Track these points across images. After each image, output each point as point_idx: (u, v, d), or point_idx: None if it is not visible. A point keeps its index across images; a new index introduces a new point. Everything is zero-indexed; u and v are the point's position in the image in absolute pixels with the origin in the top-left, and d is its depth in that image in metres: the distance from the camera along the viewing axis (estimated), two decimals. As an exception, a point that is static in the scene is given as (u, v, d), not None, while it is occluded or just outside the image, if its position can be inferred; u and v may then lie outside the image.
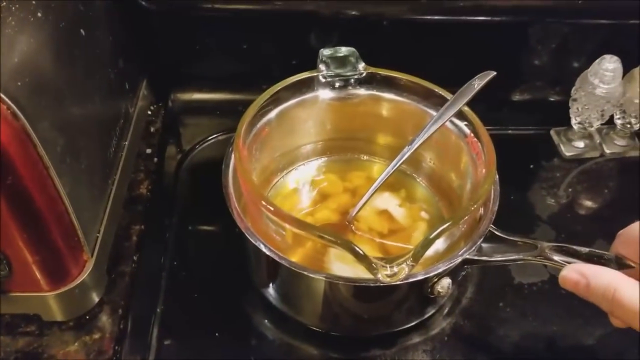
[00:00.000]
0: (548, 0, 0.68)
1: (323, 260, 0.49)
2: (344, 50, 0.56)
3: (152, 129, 0.68)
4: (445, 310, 0.55)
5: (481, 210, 0.50)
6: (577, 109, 0.65)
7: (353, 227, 0.54)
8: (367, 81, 0.56)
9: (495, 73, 0.53)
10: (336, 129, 0.59)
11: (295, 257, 0.48)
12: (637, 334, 0.41)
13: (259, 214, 0.48)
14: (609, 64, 0.61)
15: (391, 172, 0.52)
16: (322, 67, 0.55)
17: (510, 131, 0.71)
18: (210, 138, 0.68)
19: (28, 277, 0.47)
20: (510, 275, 0.57)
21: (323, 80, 0.55)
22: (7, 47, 0.41)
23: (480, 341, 0.54)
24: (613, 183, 0.68)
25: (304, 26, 0.68)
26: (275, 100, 0.54)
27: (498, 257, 0.49)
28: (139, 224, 0.59)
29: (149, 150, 0.65)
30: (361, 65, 0.55)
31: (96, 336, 0.51)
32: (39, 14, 0.44)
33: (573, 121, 0.67)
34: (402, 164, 0.52)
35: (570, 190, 0.66)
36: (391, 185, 0.58)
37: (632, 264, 0.44)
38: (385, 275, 0.41)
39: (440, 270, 0.45)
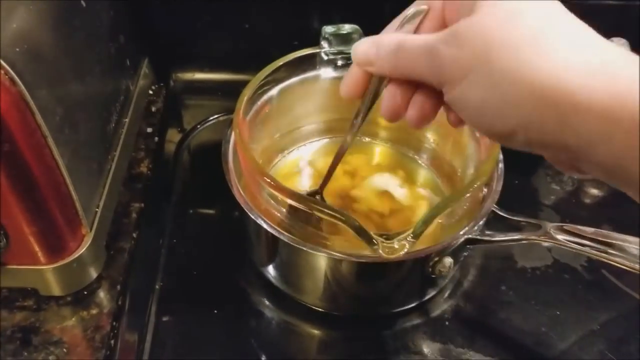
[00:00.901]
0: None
1: (323, 238, 0.49)
2: (347, 28, 0.55)
3: (153, 109, 0.67)
4: (447, 293, 0.54)
5: (484, 190, 0.49)
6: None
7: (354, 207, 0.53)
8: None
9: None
10: (337, 109, 0.58)
11: (295, 235, 0.48)
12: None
13: (258, 190, 0.47)
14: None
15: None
16: (324, 44, 0.54)
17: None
18: (211, 118, 0.67)
19: (25, 250, 0.47)
20: (513, 258, 0.57)
21: (325, 57, 0.54)
22: (6, 12, 0.40)
23: (481, 324, 0.53)
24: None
25: (306, 5, 0.67)
26: (277, 78, 0.53)
27: (501, 237, 0.48)
28: (139, 202, 0.58)
29: (149, 130, 0.65)
30: (365, 43, 0.54)
31: (94, 311, 0.50)
32: (39, -17, 0.44)
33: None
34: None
35: (575, 176, 0.65)
36: (392, 166, 0.58)
37: None
38: (385, 251, 0.40)
39: (442, 247, 0.45)
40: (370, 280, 0.48)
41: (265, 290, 0.53)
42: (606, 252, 0.45)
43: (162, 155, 0.64)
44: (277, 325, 0.52)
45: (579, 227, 0.46)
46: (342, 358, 0.50)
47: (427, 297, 0.52)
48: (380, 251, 0.40)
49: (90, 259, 0.50)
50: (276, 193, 0.44)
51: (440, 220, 0.45)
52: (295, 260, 0.49)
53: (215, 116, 0.67)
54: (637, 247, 0.44)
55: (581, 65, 0.28)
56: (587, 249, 0.46)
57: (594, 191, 0.65)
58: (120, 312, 0.51)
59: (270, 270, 0.52)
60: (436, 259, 0.46)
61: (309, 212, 0.42)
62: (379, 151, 0.60)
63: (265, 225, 0.46)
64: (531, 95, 0.28)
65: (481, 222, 0.47)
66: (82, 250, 0.49)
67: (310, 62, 0.54)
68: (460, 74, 0.31)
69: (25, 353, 0.48)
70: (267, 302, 0.53)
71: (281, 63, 0.52)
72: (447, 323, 0.52)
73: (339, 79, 0.55)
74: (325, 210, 0.42)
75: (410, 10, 0.37)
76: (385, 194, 0.55)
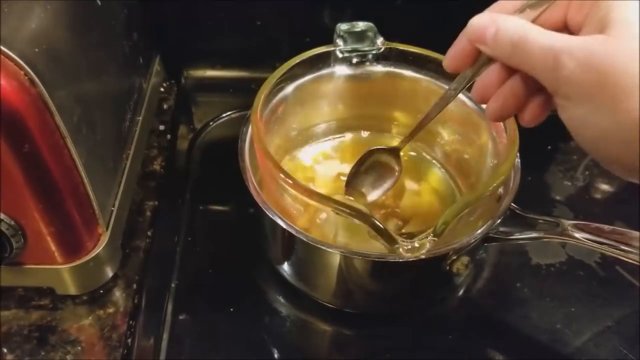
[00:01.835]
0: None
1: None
2: (361, 25, 0.55)
3: (165, 106, 0.67)
4: (462, 290, 0.54)
5: (501, 190, 0.49)
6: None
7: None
8: (385, 57, 0.55)
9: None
10: (353, 106, 0.58)
11: (311, 232, 0.48)
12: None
13: (275, 188, 0.47)
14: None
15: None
16: (339, 41, 0.54)
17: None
18: (223, 116, 0.67)
19: (42, 249, 0.47)
20: (528, 256, 0.57)
21: (340, 55, 0.54)
22: (24, 13, 0.40)
23: (496, 321, 0.53)
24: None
25: (318, 2, 0.67)
26: (292, 76, 0.53)
27: (519, 235, 0.48)
28: (153, 200, 0.58)
29: (162, 127, 0.65)
30: (379, 40, 0.54)
31: (110, 310, 0.50)
32: (56, -19, 0.43)
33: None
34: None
35: (587, 172, 0.65)
36: (407, 166, 0.57)
37: None
38: (406, 250, 0.40)
39: (461, 246, 0.45)
40: (387, 278, 0.49)
41: (281, 287, 0.53)
42: (623, 250, 0.45)
43: (175, 152, 0.64)
44: (293, 323, 0.52)
45: (596, 225, 0.46)
46: (358, 355, 0.50)
47: (443, 295, 0.52)
48: (401, 250, 0.40)
49: (107, 258, 0.51)
50: (295, 192, 0.44)
51: (460, 219, 0.44)
52: (311, 258, 0.49)
53: (228, 113, 0.67)
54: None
55: None
56: (604, 246, 0.46)
57: (605, 187, 0.65)
58: (136, 310, 0.51)
59: (286, 267, 0.52)
60: (454, 257, 0.46)
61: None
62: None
63: (281, 223, 0.46)
64: None
65: (499, 221, 0.47)
66: (98, 249, 0.49)
67: (325, 60, 0.54)
68: (583, 94, 0.30)
69: (43, 352, 0.48)
70: (282, 300, 0.53)
71: (297, 61, 0.52)
72: (462, 320, 0.52)
73: (353, 76, 0.56)
74: (345, 209, 0.42)
75: None
76: (401, 193, 0.55)
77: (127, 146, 0.56)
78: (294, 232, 0.45)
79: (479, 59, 0.38)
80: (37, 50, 0.40)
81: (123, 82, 0.56)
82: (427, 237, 0.41)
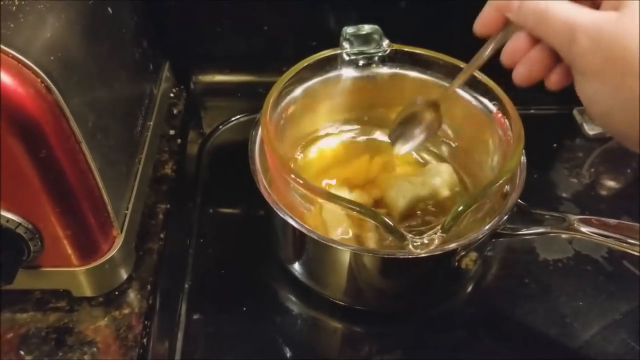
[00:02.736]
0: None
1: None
2: (367, 28, 0.56)
3: (174, 111, 0.68)
4: (471, 286, 0.55)
5: (508, 186, 0.50)
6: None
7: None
8: (391, 59, 0.56)
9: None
10: (359, 107, 0.59)
11: (322, 231, 0.48)
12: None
13: (285, 188, 0.48)
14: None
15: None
16: (345, 44, 0.55)
17: (532, 111, 0.71)
18: (232, 119, 0.68)
19: (59, 252, 0.48)
20: (535, 252, 0.58)
21: (347, 58, 0.55)
22: (39, 22, 0.41)
23: (505, 316, 0.54)
24: (635, 162, 0.68)
25: (323, 7, 0.68)
26: (300, 79, 0.54)
27: (526, 231, 0.49)
28: (165, 203, 0.59)
29: (172, 132, 0.66)
30: (385, 43, 0.55)
31: (126, 311, 0.52)
32: (69, -9, 0.45)
33: (596, 99, 0.67)
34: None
35: (593, 169, 0.66)
36: (415, 162, 0.58)
37: None
38: (415, 246, 0.41)
39: (469, 242, 0.45)
40: (397, 275, 0.49)
41: (291, 286, 0.54)
42: (629, 243, 0.46)
43: (185, 156, 0.65)
44: (304, 321, 0.53)
45: (602, 219, 0.47)
46: (368, 352, 0.51)
47: (452, 291, 0.53)
48: (410, 247, 0.41)
49: (121, 260, 0.52)
50: (305, 191, 0.45)
51: (467, 216, 0.45)
52: (321, 256, 0.50)
53: (236, 117, 0.69)
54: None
55: None
56: (610, 240, 0.46)
57: (611, 183, 0.65)
58: (151, 311, 0.52)
59: (296, 266, 0.53)
60: (462, 253, 0.47)
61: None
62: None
63: (292, 222, 0.47)
64: None
65: (506, 217, 0.47)
66: (113, 251, 0.50)
67: (332, 63, 0.55)
68: (593, 71, 0.32)
69: (60, 353, 0.49)
70: (293, 298, 0.54)
71: (305, 64, 0.53)
72: (471, 316, 0.53)
73: (360, 78, 0.57)
74: (355, 207, 0.43)
75: None
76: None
77: (139, 151, 0.57)
78: (304, 231, 0.46)
79: (508, 25, 0.39)
80: (52, 58, 0.41)
81: (134, 89, 0.57)
82: (435, 234, 0.42)
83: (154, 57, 0.63)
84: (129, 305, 0.52)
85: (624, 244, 0.45)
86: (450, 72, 0.55)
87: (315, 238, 0.46)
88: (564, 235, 0.47)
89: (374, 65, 0.56)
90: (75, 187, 0.45)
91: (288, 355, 0.51)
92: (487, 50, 0.43)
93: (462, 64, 0.54)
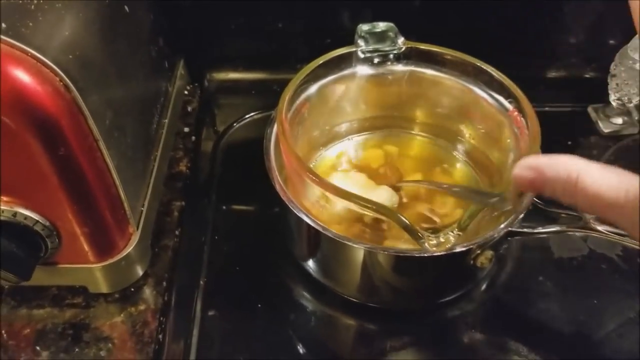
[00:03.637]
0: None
1: (366, 232, 0.50)
2: (382, 26, 0.55)
3: (189, 109, 0.69)
4: (485, 285, 0.55)
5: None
6: (616, 84, 0.65)
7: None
8: (406, 56, 0.56)
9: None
10: (375, 105, 0.59)
11: (337, 229, 0.49)
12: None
13: (301, 185, 0.48)
14: (650, 38, 0.60)
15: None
16: (360, 42, 0.55)
17: (547, 109, 0.71)
18: (246, 117, 0.69)
19: (76, 249, 0.48)
20: (550, 250, 0.57)
21: (362, 55, 0.55)
22: (58, 21, 0.42)
23: (520, 314, 0.54)
24: (651, 160, 0.67)
25: (338, 4, 0.68)
26: (315, 76, 0.54)
27: (542, 229, 0.49)
28: (180, 200, 0.60)
29: (186, 129, 0.66)
30: (400, 40, 0.55)
31: (141, 307, 0.52)
32: (87, -11, 0.45)
33: (612, 97, 0.66)
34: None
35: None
36: (431, 160, 0.58)
37: None
38: (431, 244, 0.41)
39: (485, 240, 0.45)
40: (412, 273, 0.49)
41: (306, 283, 0.54)
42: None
43: (200, 154, 0.65)
44: (318, 318, 0.53)
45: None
46: (382, 350, 0.51)
47: (466, 289, 0.53)
48: (427, 245, 0.41)
49: (137, 257, 0.52)
50: (321, 189, 0.45)
51: (482, 215, 0.45)
52: (336, 254, 0.50)
53: (250, 114, 0.69)
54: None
55: None
56: (626, 238, 0.47)
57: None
58: (167, 307, 0.52)
59: (311, 263, 0.53)
60: (478, 251, 0.47)
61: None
62: (416, 144, 0.60)
63: (307, 220, 0.47)
64: None
65: (522, 215, 0.47)
66: (129, 248, 0.51)
67: (347, 61, 0.55)
68: None
69: (77, 349, 0.49)
70: (308, 295, 0.54)
71: (320, 62, 0.53)
72: (486, 314, 0.53)
73: (375, 76, 0.57)
74: (370, 205, 0.43)
75: None
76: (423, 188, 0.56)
77: (155, 148, 0.58)
78: (319, 229, 0.46)
79: None
80: (70, 56, 0.41)
81: (150, 86, 0.57)
82: (452, 232, 0.42)
83: (169, 55, 0.63)
84: (145, 302, 0.52)
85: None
86: (465, 70, 0.55)
87: (330, 236, 0.46)
88: (579, 234, 0.47)
89: (388, 63, 0.56)
90: (93, 184, 0.45)
91: (303, 352, 0.51)
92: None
93: (478, 62, 0.54)
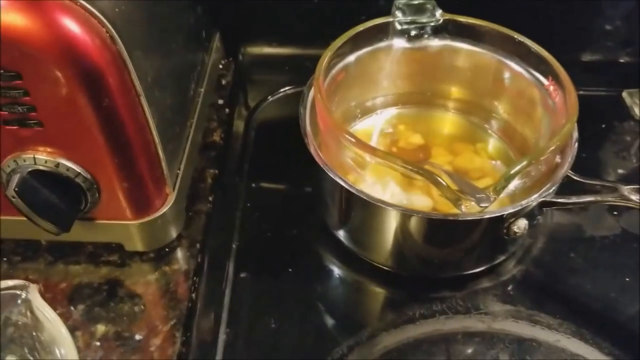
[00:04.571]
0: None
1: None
2: (420, -3, 0.56)
3: (223, 82, 0.70)
4: (516, 259, 0.55)
5: (558, 158, 0.49)
6: (653, 68, 0.64)
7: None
8: (444, 29, 0.56)
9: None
10: (410, 79, 0.60)
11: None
12: None
13: (336, 149, 0.49)
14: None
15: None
16: (398, 13, 0.55)
17: (581, 92, 0.70)
18: (280, 91, 0.69)
19: (114, 205, 0.49)
20: (582, 228, 0.57)
21: (399, 27, 0.56)
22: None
23: (550, 288, 0.53)
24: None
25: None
26: (352, 47, 0.55)
27: (577, 200, 0.48)
28: (213, 168, 0.60)
29: (220, 101, 0.67)
30: (438, 12, 0.55)
31: (175, 267, 0.53)
32: (135, -52, 0.46)
33: (648, 82, 0.66)
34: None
35: (640, 152, 0.65)
36: (463, 136, 0.58)
37: None
38: (468, 207, 0.42)
39: (520, 208, 0.45)
40: (444, 239, 0.50)
41: (337, 250, 0.55)
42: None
43: (233, 126, 0.66)
44: (348, 284, 0.54)
45: (654, 189, 0.46)
46: (411, 317, 0.51)
47: (497, 261, 0.53)
48: (463, 207, 0.41)
49: (172, 217, 0.53)
50: (359, 150, 0.45)
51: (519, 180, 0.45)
52: (369, 218, 0.50)
53: (284, 89, 0.69)
54: None
55: None
56: (662, 209, 0.46)
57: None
58: (199, 268, 0.53)
59: (342, 230, 0.53)
60: (512, 219, 0.47)
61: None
62: (450, 121, 0.61)
63: (342, 183, 0.47)
64: None
65: (556, 187, 0.47)
66: (165, 208, 0.51)
67: (384, 32, 0.56)
68: None
69: (112, 303, 0.50)
70: (338, 262, 0.54)
71: (358, 30, 0.54)
72: (517, 287, 0.53)
73: (411, 49, 0.57)
74: (409, 166, 0.43)
75: None
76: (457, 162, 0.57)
77: (191, 115, 0.59)
78: (354, 191, 0.46)
79: None
80: (117, 10, 0.42)
81: (188, 53, 0.58)
82: (488, 194, 0.42)
83: (206, 25, 0.64)
84: (178, 262, 0.53)
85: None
86: (502, 44, 0.55)
87: (365, 198, 0.46)
88: (615, 204, 0.47)
89: (425, 36, 0.56)
90: (133, 139, 0.46)
91: (331, 315, 0.51)
92: None
93: (516, 35, 0.54)
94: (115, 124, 0.44)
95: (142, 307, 0.50)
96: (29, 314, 0.43)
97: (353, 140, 0.45)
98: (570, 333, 0.50)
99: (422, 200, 0.51)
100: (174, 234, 0.54)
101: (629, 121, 0.68)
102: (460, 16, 0.55)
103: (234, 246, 0.55)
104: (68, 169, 0.46)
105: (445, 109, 0.61)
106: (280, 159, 0.63)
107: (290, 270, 0.54)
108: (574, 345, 0.49)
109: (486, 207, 0.41)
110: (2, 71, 0.40)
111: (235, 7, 0.70)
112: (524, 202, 0.46)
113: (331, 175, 0.47)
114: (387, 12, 0.56)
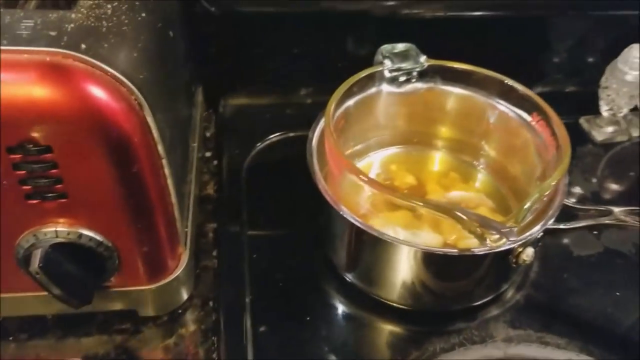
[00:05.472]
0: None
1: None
2: (401, 46, 0.59)
3: (207, 134, 0.70)
4: (516, 285, 0.58)
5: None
6: (608, 95, 0.70)
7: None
8: (429, 73, 0.59)
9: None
10: (403, 121, 0.62)
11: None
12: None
13: (345, 186, 0.50)
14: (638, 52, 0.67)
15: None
16: (386, 62, 0.58)
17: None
18: (266, 139, 0.70)
19: (132, 271, 0.48)
20: (569, 249, 0.61)
21: (388, 74, 0.58)
22: (126, 42, 0.43)
23: (553, 309, 0.56)
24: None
25: (346, 32, 0.71)
26: (350, 93, 0.57)
27: (576, 225, 0.52)
28: (212, 222, 0.60)
29: (208, 154, 0.67)
30: (422, 58, 0.58)
31: (191, 328, 0.52)
32: (144, 14, 0.46)
33: (603, 108, 0.72)
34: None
35: (607, 171, 0.70)
36: (455, 171, 0.62)
37: None
38: (492, 240, 0.44)
39: (530, 237, 0.48)
40: (459, 273, 0.52)
41: (349, 292, 0.55)
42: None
43: (224, 177, 0.66)
44: (367, 327, 0.54)
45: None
46: (434, 351, 0.52)
47: (503, 289, 0.56)
48: (487, 241, 0.44)
49: (185, 278, 0.52)
50: (376, 190, 0.47)
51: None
52: (381, 255, 0.51)
53: (270, 137, 0.70)
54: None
55: None
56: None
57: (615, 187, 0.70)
58: (217, 327, 0.52)
59: (352, 271, 0.55)
60: (520, 249, 0.50)
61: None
62: (441, 159, 0.64)
63: (352, 220, 0.48)
64: None
65: (557, 213, 0.51)
66: (180, 269, 0.51)
67: (375, 79, 0.58)
68: None
69: (134, 374, 0.49)
70: (352, 304, 0.55)
71: (362, 75, 0.56)
72: (522, 311, 0.56)
73: (400, 94, 0.60)
74: (430, 206, 0.45)
75: None
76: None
77: (189, 170, 0.58)
78: (363, 227, 0.48)
79: None
80: (141, 76, 0.42)
81: (186, 109, 0.59)
82: (508, 227, 0.44)
83: (193, 80, 0.65)
84: (194, 323, 0.53)
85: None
86: (487, 85, 0.59)
87: (376, 235, 0.47)
88: (612, 225, 0.51)
89: (413, 81, 0.59)
90: (155, 203, 0.46)
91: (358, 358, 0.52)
92: None
93: (498, 76, 0.58)
94: (139, 189, 0.44)
95: (167, 372, 0.49)
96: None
97: (375, 183, 0.47)
98: (579, 350, 0.53)
99: (432, 237, 0.53)
100: (185, 295, 0.54)
101: (588, 145, 0.74)
102: (444, 61, 0.59)
103: (247, 300, 0.55)
104: (90, 239, 0.45)
105: (436, 148, 0.64)
106: (278, 204, 0.63)
107: (308, 318, 0.54)
108: (584, 361, 0.52)
109: (514, 240, 0.44)
110: (31, 146, 0.39)
111: (215, 60, 0.70)
112: (533, 230, 0.49)
113: (342, 214, 0.49)
114: (363, 59, 0.59)
